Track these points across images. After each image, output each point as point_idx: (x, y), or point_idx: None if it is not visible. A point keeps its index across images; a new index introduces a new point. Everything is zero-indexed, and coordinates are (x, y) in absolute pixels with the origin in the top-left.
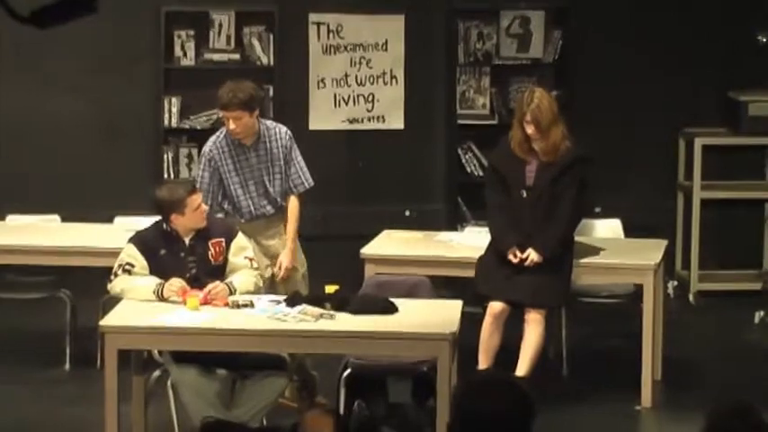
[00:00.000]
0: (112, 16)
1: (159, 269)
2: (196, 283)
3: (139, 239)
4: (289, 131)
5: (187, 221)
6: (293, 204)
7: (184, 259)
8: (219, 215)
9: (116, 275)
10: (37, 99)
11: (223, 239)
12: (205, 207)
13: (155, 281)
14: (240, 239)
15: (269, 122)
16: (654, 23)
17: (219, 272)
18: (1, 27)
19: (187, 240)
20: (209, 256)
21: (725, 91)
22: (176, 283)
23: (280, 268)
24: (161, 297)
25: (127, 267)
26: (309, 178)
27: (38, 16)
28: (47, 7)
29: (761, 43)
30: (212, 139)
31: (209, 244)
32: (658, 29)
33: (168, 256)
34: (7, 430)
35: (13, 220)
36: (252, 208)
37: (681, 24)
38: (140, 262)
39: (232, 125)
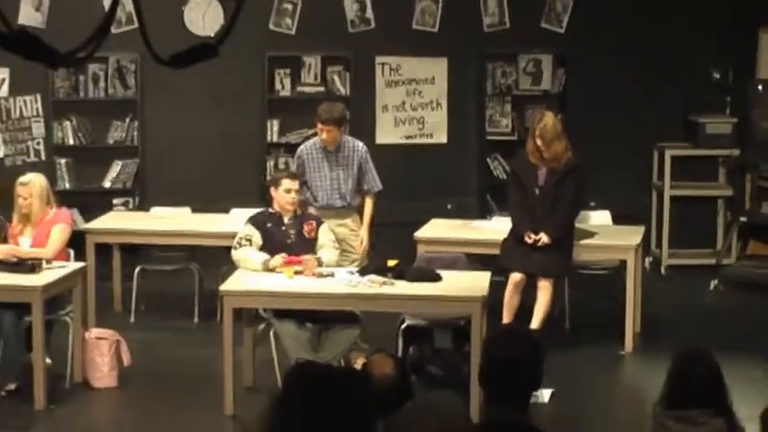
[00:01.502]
0: (230, 59)
1: (268, 238)
2: (293, 250)
3: (254, 219)
4: (365, 147)
5: (279, 197)
6: (369, 203)
7: (286, 231)
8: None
9: (240, 245)
10: (174, 122)
11: (314, 222)
12: (295, 196)
13: (264, 257)
14: (326, 226)
15: (349, 137)
16: (633, 63)
17: (311, 245)
18: (148, 68)
19: (286, 219)
20: (304, 232)
21: (688, 114)
22: (280, 258)
23: (361, 244)
24: (268, 269)
25: (248, 238)
26: (379, 183)
27: (175, 59)
28: (181, 53)
29: (714, 78)
30: (306, 143)
31: (304, 224)
32: (637, 68)
33: (274, 228)
34: (154, 364)
35: (155, 211)
36: (325, 198)
37: (654, 64)
38: (256, 234)
39: (324, 135)
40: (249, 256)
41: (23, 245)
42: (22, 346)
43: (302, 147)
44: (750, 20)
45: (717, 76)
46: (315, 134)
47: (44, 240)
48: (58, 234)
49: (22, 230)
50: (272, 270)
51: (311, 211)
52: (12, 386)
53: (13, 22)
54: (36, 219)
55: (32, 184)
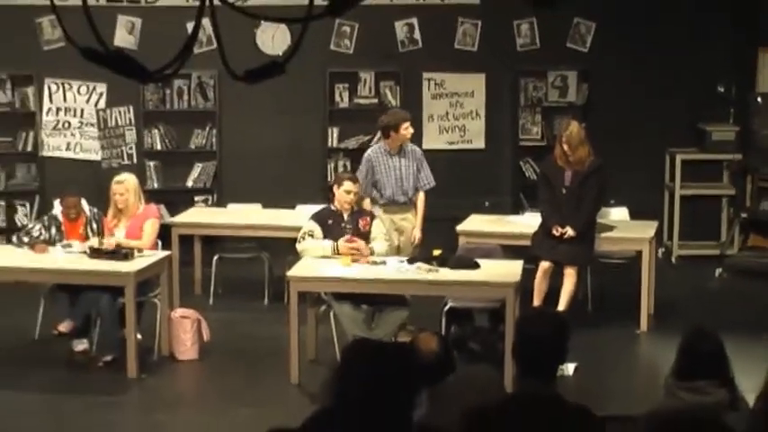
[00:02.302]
0: (296, 75)
1: (328, 232)
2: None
3: (316, 216)
4: (420, 150)
5: (339, 195)
6: (422, 198)
7: (344, 227)
8: (367, 200)
9: (303, 239)
10: (247, 130)
11: (368, 217)
12: (353, 197)
13: (331, 242)
14: (378, 221)
15: (408, 142)
16: (648, 78)
17: (365, 237)
18: (225, 83)
19: (345, 216)
20: (360, 226)
21: (696, 123)
22: (342, 240)
23: (415, 238)
24: (337, 252)
25: (310, 233)
26: (433, 180)
27: (248, 75)
28: (254, 70)
29: (719, 91)
30: (372, 147)
31: (359, 219)
32: (651, 82)
33: (334, 224)
34: (230, 340)
35: (231, 207)
36: (391, 195)
37: (666, 79)
38: (317, 229)
39: (412, 130)
40: (314, 246)
41: (118, 236)
42: (117, 323)
43: (369, 151)
44: (750, 40)
45: (721, 89)
46: (370, 140)
47: (136, 231)
48: (151, 227)
49: (117, 223)
50: (339, 252)
51: (375, 208)
52: (108, 358)
53: (109, 44)
54: (130, 213)
55: (127, 182)
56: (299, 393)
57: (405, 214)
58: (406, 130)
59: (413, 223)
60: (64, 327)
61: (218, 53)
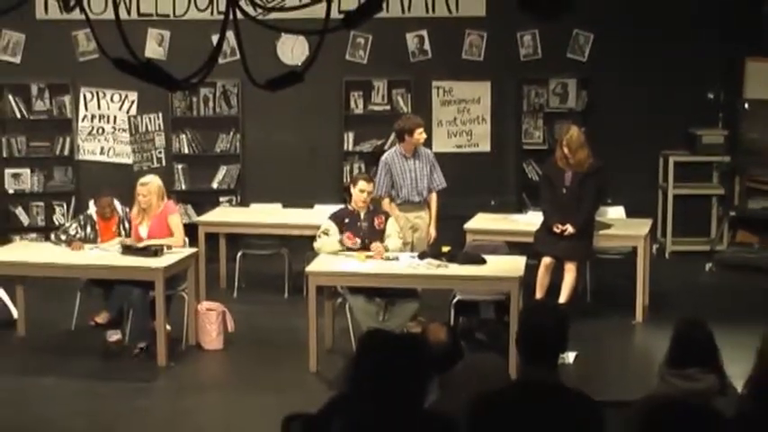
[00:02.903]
0: (313, 83)
1: (345, 229)
2: (367, 237)
3: (333, 216)
4: (432, 153)
5: (354, 195)
6: (435, 198)
7: (360, 225)
8: (386, 200)
9: (320, 237)
10: (269, 134)
11: (383, 216)
12: (367, 197)
13: (338, 236)
14: (392, 219)
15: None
16: (642, 86)
17: (380, 234)
18: (248, 91)
19: (362, 215)
20: (375, 224)
21: (687, 128)
22: (345, 236)
23: (431, 237)
24: (341, 242)
25: (326, 232)
26: (445, 182)
27: (269, 84)
28: (274, 79)
29: (709, 98)
30: (388, 151)
31: (374, 218)
32: (645, 89)
33: (350, 222)
34: (253, 331)
35: (254, 206)
36: (407, 194)
37: (660, 87)
38: (333, 227)
39: (424, 136)
40: (327, 241)
41: (142, 233)
42: (148, 315)
43: (386, 155)
44: (738, 51)
45: (711, 96)
46: (383, 143)
47: (159, 228)
48: (176, 222)
49: (141, 221)
50: (344, 243)
51: (391, 206)
52: (140, 347)
53: (140, 56)
54: (152, 212)
55: (151, 185)
56: (317, 381)
57: (419, 213)
58: (420, 134)
59: (426, 221)
60: (101, 318)
61: (241, 63)
